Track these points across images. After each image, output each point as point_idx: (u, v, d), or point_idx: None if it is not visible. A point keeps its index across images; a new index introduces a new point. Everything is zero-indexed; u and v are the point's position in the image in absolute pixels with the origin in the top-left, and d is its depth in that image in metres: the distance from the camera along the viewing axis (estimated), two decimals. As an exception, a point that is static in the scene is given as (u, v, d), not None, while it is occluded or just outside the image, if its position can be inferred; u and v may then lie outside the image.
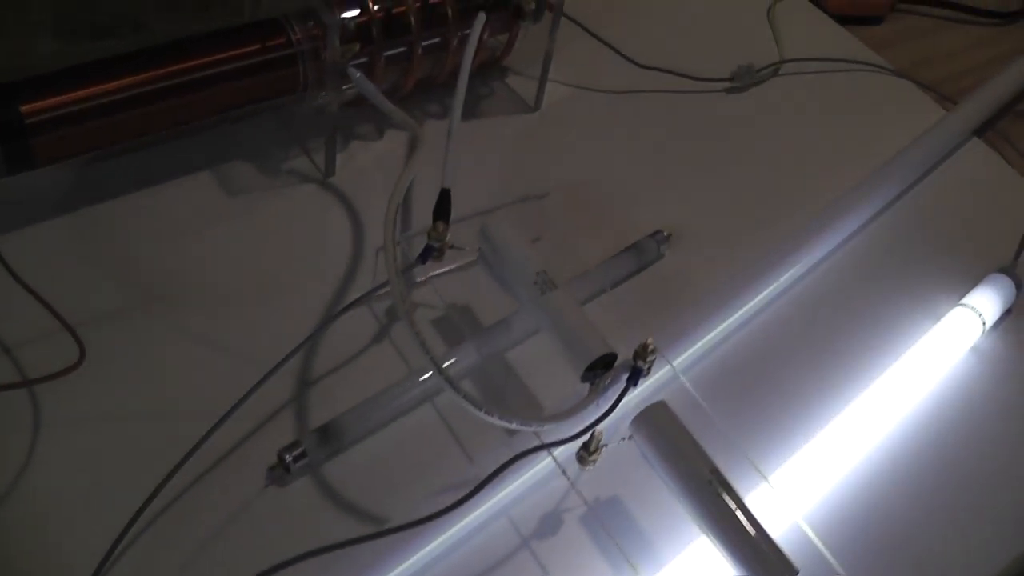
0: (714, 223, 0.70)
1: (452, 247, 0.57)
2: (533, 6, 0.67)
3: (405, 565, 0.50)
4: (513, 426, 0.50)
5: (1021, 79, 0.86)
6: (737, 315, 0.63)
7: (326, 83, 0.63)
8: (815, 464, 0.57)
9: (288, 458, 0.53)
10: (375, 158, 0.69)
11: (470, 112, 0.74)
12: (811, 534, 0.51)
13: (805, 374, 0.62)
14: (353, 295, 0.61)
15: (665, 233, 0.66)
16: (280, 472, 0.53)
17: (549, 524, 0.54)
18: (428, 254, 0.56)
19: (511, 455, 0.50)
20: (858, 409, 0.60)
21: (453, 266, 0.61)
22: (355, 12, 0.64)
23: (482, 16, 0.66)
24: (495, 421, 0.50)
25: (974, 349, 0.66)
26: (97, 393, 0.55)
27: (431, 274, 0.61)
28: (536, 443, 0.51)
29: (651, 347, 0.54)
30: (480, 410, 0.50)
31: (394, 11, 0.65)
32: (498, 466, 0.49)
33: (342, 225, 0.65)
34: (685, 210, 0.70)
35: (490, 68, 0.75)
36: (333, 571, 0.48)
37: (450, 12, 0.67)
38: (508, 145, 0.73)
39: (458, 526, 0.52)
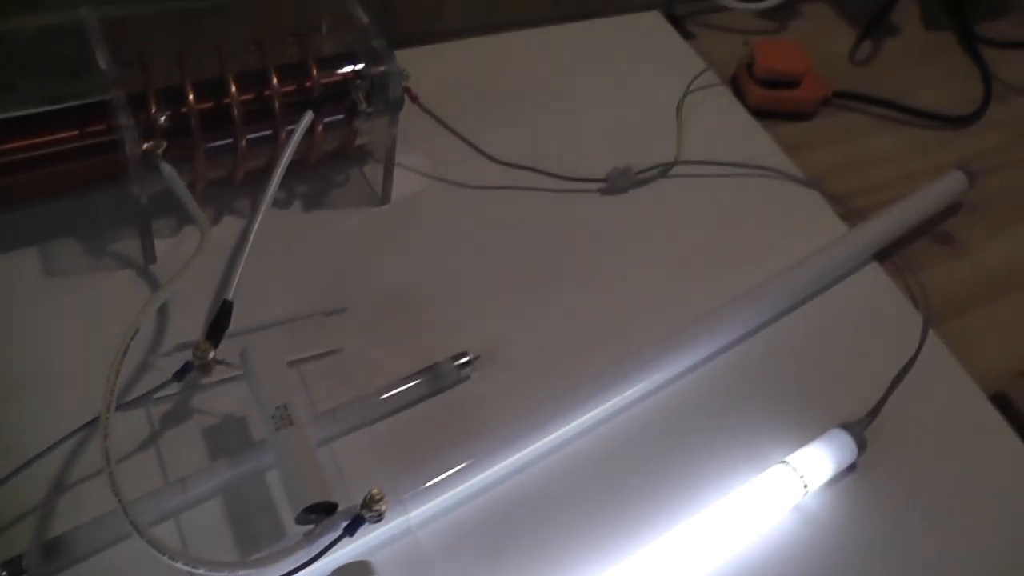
0: (546, 344, 0.67)
1: (221, 363, 0.56)
2: (364, 106, 0.65)
3: None
4: (199, 572, 0.49)
5: (940, 200, 0.80)
6: (515, 458, 0.60)
7: (131, 175, 0.62)
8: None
9: (4, 574, 0.52)
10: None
11: (319, 202, 0.72)
12: None
13: (589, 520, 0.59)
14: (134, 395, 0.60)
15: (470, 356, 0.63)
16: (2, 585, 0.53)
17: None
18: (185, 372, 0.55)
19: None
20: (649, 558, 0.56)
21: (224, 378, 0.59)
22: (167, 112, 0.63)
23: (308, 115, 0.64)
24: (181, 566, 0.49)
25: (797, 508, 0.61)
26: None
27: (211, 380, 0.59)
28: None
29: (378, 496, 0.52)
30: (164, 555, 0.48)
31: (220, 103, 0.64)
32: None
33: (149, 318, 0.64)
34: (518, 327, 0.67)
35: (345, 157, 0.73)
36: None
37: (278, 106, 0.65)
38: (347, 240, 0.70)
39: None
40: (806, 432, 0.64)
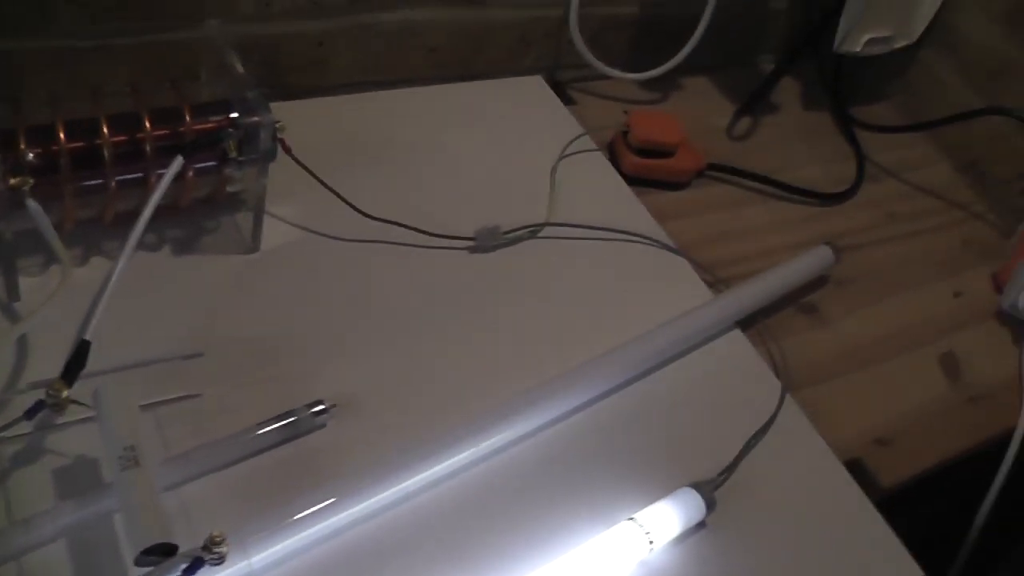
0: (401, 396, 0.68)
1: (75, 403, 0.56)
2: (235, 154, 0.66)
3: None
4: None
5: (806, 272, 0.83)
6: (358, 508, 0.60)
7: (-1, 209, 0.61)
8: None
9: None
10: (70, 285, 0.67)
11: (189, 247, 0.73)
12: None
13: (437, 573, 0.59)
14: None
15: (327, 404, 0.64)
16: None
17: None
18: (36, 410, 0.55)
19: None
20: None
21: (80, 418, 0.59)
22: (36, 150, 0.63)
23: (179, 160, 0.65)
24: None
25: (644, 563, 0.63)
26: None
27: (63, 421, 0.59)
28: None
29: (218, 539, 0.52)
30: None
31: (91, 143, 0.64)
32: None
33: (5, 355, 0.63)
34: (376, 377, 0.68)
35: (217, 203, 0.73)
36: None
37: (149, 150, 0.65)
38: (214, 285, 0.71)
39: None
40: (658, 490, 0.65)
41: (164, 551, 0.52)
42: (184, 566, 0.52)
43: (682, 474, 0.67)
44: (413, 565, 0.60)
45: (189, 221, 0.73)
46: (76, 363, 0.57)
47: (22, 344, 0.64)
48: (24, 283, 0.66)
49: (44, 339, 0.64)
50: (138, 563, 0.52)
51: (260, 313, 0.70)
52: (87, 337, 0.59)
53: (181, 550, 0.52)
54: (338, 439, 0.64)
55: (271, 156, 0.68)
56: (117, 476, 0.54)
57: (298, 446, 0.63)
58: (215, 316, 0.69)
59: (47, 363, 0.61)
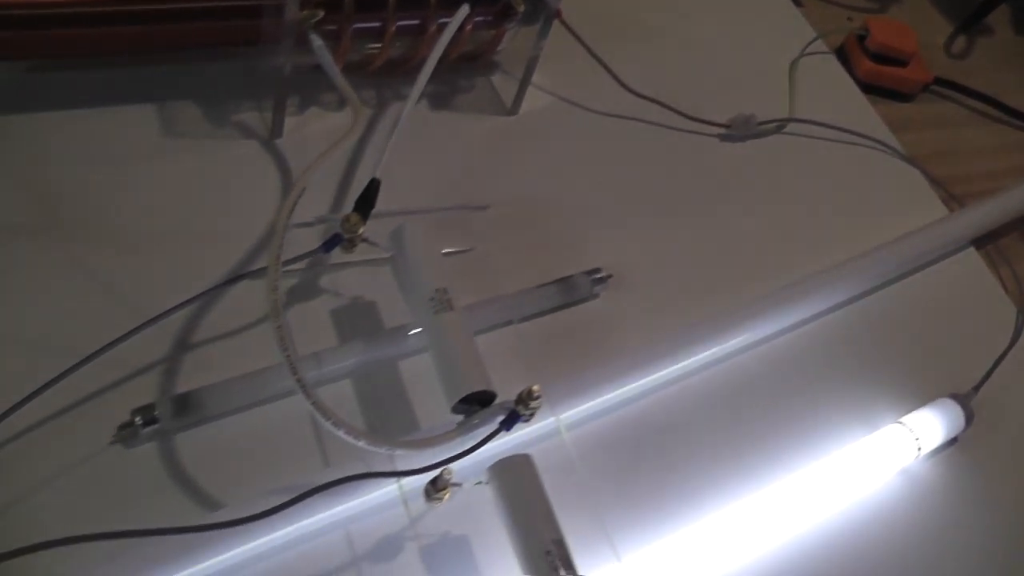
0: (665, 274, 0.66)
1: (366, 241, 0.54)
2: (523, 8, 0.63)
3: (219, 559, 0.48)
4: (359, 444, 0.47)
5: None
6: (649, 380, 0.59)
7: (282, 43, 0.59)
8: (684, 554, 0.53)
9: (138, 420, 0.51)
10: (326, 129, 0.66)
11: (445, 103, 0.71)
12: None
13: (711, 454, 0.59)
14: (260, 265, 0.58)
15: (604, 274, 0.62)
16: (128, 433, 0.51)
17: (386, 549, 0.51)
18: (334, 243, 0.53)
19: (366, 470, 0.48)
20: (757, 504, 0.56)
21: (360, 259, 0.57)
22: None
23: (465, 8, 0.62)
24: (342, 435, 0.47)
25: (905, 471, 0.62)
26: None
27: (344, 261, 0.58)
28: (386, 467, 0.48)
29: (536, 394, 0.50)
30: (328, 420, 0.47)
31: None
32: (330, 480, 0.46)
33: (271, 191, 0.62)
34: (639, 253, 0.66)
35: (476, 62, 0.71)
36: (146, 555, 0.46)
37: (433, -3, 0.63)
38: (475, 145, 0.69)
39: (284, 531, 0.49)
40: (911, 400, 0.64)
41: (479, 400, 0.51)
42: (501, 418, 0.50)
43: (929, 387, 0.65)
44: (687, 445, 0.59)
45: (445, 78, 0.71)
46: (367, 200, 0.55)
47: (288, 181, 0.62)
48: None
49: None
50: (456, 411, 0.51)
51: (521, 177, 0.68)
52: (376, 176, 0.56)
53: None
54: (610, 311, 0.62)
55: (553, 16, 0.65)
56: (429, 320, 0.52)
57: (572, 314, 0.62)
58: (477, 175, 0.67)
59: (311, 202, 0.60)
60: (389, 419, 0.54)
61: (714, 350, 0.62)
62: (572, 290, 0.61)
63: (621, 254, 0.65)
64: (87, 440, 0.50)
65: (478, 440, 0.50)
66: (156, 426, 0.51)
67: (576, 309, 0.62)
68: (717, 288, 0.66)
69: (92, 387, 0.52)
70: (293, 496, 0.45)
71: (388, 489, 0.51)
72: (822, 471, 0.59)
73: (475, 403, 0.51)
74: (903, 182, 0.81)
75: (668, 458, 0.58)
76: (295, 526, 0.49)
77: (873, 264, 0.71)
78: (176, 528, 0.44)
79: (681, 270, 0.67)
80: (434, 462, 0.48)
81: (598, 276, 0.62)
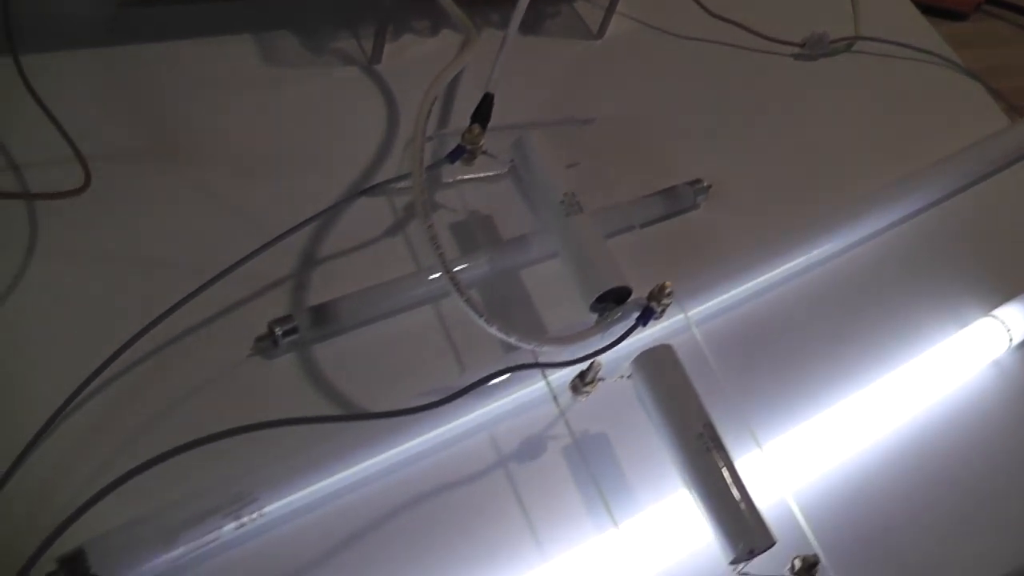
0: (754, 185, 0.67)
1: (485, 153, 0.55)
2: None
3: (377, 459, 0.49)
4: (512, 340, 0.48)
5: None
6: (762, 279, 0.61)
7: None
8: (812, 442, 0.55)
9: (278, 331, 0.51)
10: (424, 54, 0.67)
11: (531, 29, 0.72)
12: (796, 509, 0.49)
13: (819, 351, 0.60)
14: (372, 183, 0.59)
15: (705, 183, 0.63)
16: (267, 344, 0.52)
17: (530, 448, 0.52)
18: (458, 154, 0.54)
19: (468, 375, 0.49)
20: (866, 398, 0.58)
21: (482, 174, 0.58)
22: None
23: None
24: (494, 332, 0.48)
25: (996, 363, 0.63)
26: (97, 227, 0.53)
27: (458, 178, 0.59)
28: (533, 361, 0.49)
29: (668, 290, 0.51)
30: (481, 317, 0.48)
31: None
32: (490, 372, 0.47)
33: (376, 113, 0.63)
34: (727, 167, 0.67)
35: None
36: (300, 448, 0.47)
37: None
38: (564, 67, 0.70)
39: (438, 431, 0.50)
40: (995, 296, 0.66)
41: (616, 297, 0.52)
42: (636, 313, 0.52)
43: (1018, 282, 0.67)
44: (799, 342, 0.61)
45: (532, 4, 0.71)
46: (483, 114, 0.56)
47: (391, 101, 0.63)
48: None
49: (412, 99, 0.61)
50: (594, 309, 0.52)
51: (610, 97, 0.70)
52: (490, 90, 0.57)
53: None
54: (712, 220, 0.64)
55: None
56: (562, 222, 0.53)
57: (673, 224, 0.64)
58: (568, 95, 0.69)
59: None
60: (515, 325, 0.55)
61: (821, 249, 0.64)
62: (678, 199, 0.62)
63: (712, 168, 0.66)
64: (225, 353, 0.52)
65: (619, 335, 0.51)
66: (295, 336, 0.52)
67: (678, 220, 0.64)
68: (805, 197, 0.68)
69: (224, 304, 0.53)
70: (443, 396, 0.46)
71: (532, 389, 0.52)
72: (924, 365, 0.61)
73: (609, 302, 0.52)
74: (968, 96, 0.82)
75: (785, 352, 0.60)
76: (444, 428, 0.51)
77: (960, 164, 0.73)
78: (349, 416, 0.45)
79: (769, 180, 0.68)
80: (584, 354, 0.49)
81: (700, 186, 0.63)
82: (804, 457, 0.55)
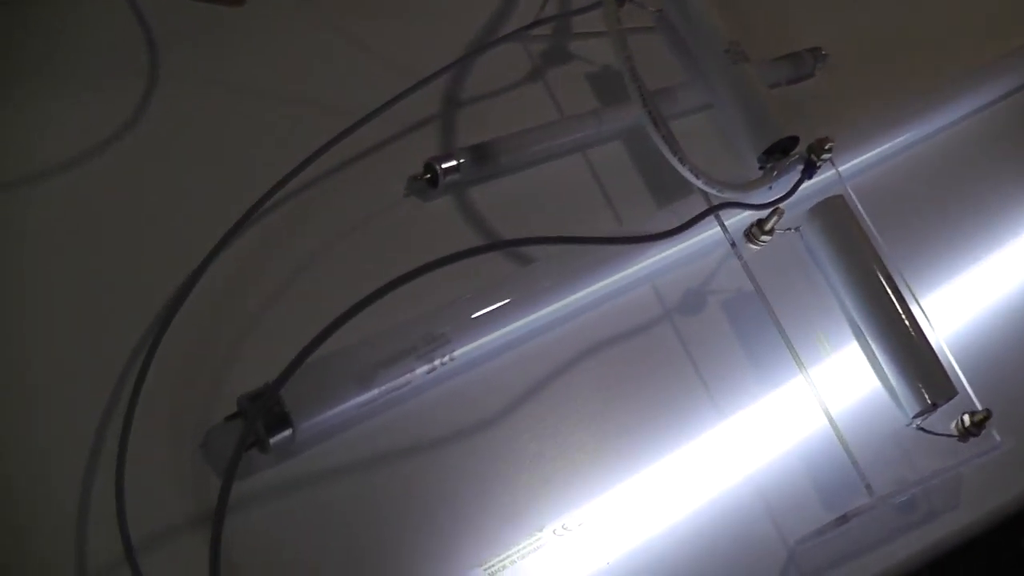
0: (864, 54, 0.65)
1: (633, 1, 0.53)
2: None
3: (550, 307, 0.48)
4: (699, 182, 0.48)
5: None
6: (909, 136, 0.61)
7: None
8: (968, 295, 0.56)
9: (439, 168, 0.49)
10: None
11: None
12: (955, 366, 0.50)
13: (967, 207, 0.60)
14: (510, 30, 0.57)
15: (824, 52, 0.62)
16: (423, 184, 0.50)
17: (691, 302, 0.52)
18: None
19: (656, 219, 0.49)
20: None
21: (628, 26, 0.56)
22: None
23: None
24: (684, 171, 0.47)
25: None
26: (248, 56, 0.53)
27: (585, 31, 0.59)
28: (721, 201, 0.49)
29: (828, 145, 0.51)
30: (675, 155, 0.47)
31: None
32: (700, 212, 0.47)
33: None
34: (836, 35, 0.65)
35: None
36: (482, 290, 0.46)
37: None
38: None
39: (604, 281, 0.50)
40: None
41: (781, 148, 0.52)
42: (800, 167, 0.51)
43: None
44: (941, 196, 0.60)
45: None
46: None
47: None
48: None
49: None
50: (759, 160, 0.51)
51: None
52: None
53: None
54: (826, 89, 0.63)
55: None
56: (728, 70, 0.52)
57: (791, 91, 0.62)
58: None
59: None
60: (664, 178, 0.54)
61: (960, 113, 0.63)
62: (799, 65, 0.62)
63: (829, 34, 0.64)
64: (380, 194, 0.51)
65: (790, 186, 0.50)
66: (456, 175, 0.50)
67: (792, 88, 0.62)
68: (916, 70, 0.66)
69: (375, 141, 0.52)
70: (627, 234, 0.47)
71: (700, 237, 0.51)
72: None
73: (774, 153, 0.51)
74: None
75: (932, 209, 0.59)
76: (614, 278, 0.51)
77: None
78: (571, 239, 0.45)
79: (878, 51, 0.66)
80: (769, 200, 0.49)
81: (820, 53, 0.62)
82: (958, 310, 0.55)
